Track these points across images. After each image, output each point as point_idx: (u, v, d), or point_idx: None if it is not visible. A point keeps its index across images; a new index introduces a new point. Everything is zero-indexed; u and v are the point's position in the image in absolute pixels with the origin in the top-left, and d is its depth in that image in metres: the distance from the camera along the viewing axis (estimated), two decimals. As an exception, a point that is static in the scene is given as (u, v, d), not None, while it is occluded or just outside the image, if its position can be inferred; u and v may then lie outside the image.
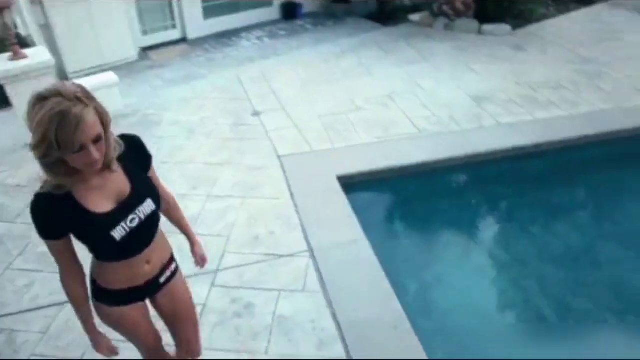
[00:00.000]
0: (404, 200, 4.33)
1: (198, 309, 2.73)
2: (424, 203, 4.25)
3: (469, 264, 3.77)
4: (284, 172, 4.06)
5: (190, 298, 2.00)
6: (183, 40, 7.08)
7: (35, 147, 1.32)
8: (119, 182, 1.55)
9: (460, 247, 3.93)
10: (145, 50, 6.75)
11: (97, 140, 1.36)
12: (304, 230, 3.43)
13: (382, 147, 4.34)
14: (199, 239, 2.09)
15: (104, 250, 1.59)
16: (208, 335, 2.70)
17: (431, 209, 4.22)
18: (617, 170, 4.59)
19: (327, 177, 3.95)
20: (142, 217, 1.57)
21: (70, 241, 1.55)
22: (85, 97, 1.33)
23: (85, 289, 1.68)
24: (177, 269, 1.90)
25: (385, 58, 6.18)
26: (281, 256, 3.23)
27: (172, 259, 1.86)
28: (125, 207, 1.54)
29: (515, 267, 3.78)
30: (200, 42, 7.02)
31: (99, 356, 1.86)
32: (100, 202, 1.50)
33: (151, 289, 1.78)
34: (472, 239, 4.06)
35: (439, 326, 3.28)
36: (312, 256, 3.21)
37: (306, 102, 5.16)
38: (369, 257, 3.20)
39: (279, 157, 4.26)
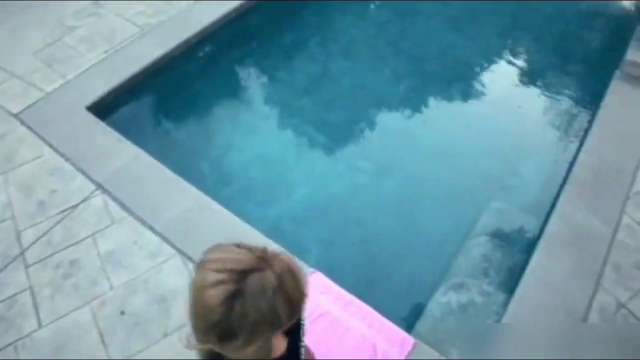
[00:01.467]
0: (161, 99, 4.50)
1: (26, 295, 2.83)
2: (178, 94, 4.49)
3: (242, 125, 4.31)
4: (30, 128, 3.84)
5: None
6: None
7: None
8: None
9: (230, 114, 4.40)
10: None
11: None
12: (83, 172, 3.48)
13: (114, 60, 4.29)
14: None
15: None
16: (49, 307, 2.83)
17: (187, 95, 4.50)
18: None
19: (77, 113, 3.87)
20: None
21: None
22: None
23: None
24: None
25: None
26: (76, 206, 3.30)
27: None
28: None
29: (289, 114, 4.45)
30: None
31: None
32: None
33: None
34: (237, 103, 4.56)
35: (242, 185, 3.86)
36: (105, 190, 3.35)
37: (7, 42, 4.60)
38: (155, 164, 3.46)
39: (15, 115, 3.94)
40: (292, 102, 4.58)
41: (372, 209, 3.82)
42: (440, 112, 4.57)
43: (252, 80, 4.79)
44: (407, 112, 4.59)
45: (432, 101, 4.66)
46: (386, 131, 4.39)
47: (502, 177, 3.95)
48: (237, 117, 4.38)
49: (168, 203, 3.25)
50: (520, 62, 4.94)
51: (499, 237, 3.54)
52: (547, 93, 4.53)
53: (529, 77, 4.74)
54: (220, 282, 0.96)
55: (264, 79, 4.85)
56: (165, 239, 3.06)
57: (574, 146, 3.92)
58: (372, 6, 5.78)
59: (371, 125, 4.48)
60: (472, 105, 4.55)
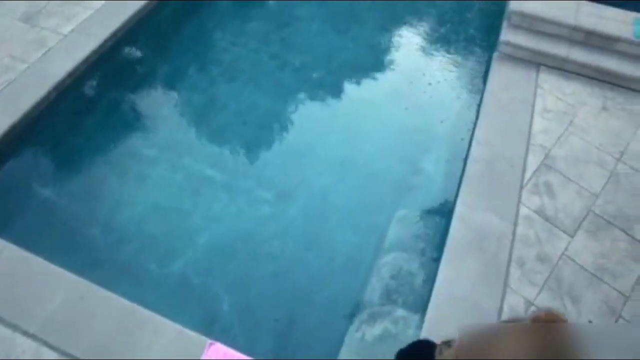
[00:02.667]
0: (24, 172, 3.99)
1: None
2: (46, 159, 4.03)
3: (126, 177, 3.93)
4: None
5: None
6: None
7: None
8: None
9: (109, 169, 4.00)
10: None
11: None
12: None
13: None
14: None
15: None
16: None
17: (58, 158, 4.05)
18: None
19: None
20: None
21: None
22: None
23: None
24: None
25: None
26: None
27: None
28: None
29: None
30: None
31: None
32: None
33: None
34: (115, 155, 4.15)
35: (137, 247, 3.51)
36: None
37: None
38: (23, 256, 3.06)
39: None
40: (178, 139, 4.26)
41: (279, 239, 3.64)
42: (333, 120, 4.43)
43: (129, 125, 4.40)
44: (301, 126, 4.40)
45: (323, 111, 4.50)
46: (282, 151, 4.19)
47: (405, 179, 3.87)
48: (119, 170, 4.00)
49: (42, 298, 2.88)
50: (405, 56, 4.87)
51: (407, 250, 3.46)
52: (436, 85, 4.49)
53: (415, 71, 4.67)
54: None
55: (143, 121, 4.47)
56: (43, 342, 2.71)
57: (467, 137, 3.89)
58: (249, 21, 5.51)
59: (266, 148, 4.26)
60: (364, 108, 4.43)
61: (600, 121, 3.93)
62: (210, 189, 3.92)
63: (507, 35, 4.30)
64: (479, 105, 3.99)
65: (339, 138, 4.22)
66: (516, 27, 4.35)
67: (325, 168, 4.01)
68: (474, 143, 3.66)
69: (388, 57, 4.82)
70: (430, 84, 4.44)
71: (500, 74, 4.15)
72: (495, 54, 4.33)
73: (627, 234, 3.24)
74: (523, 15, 4.32)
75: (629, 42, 4.19)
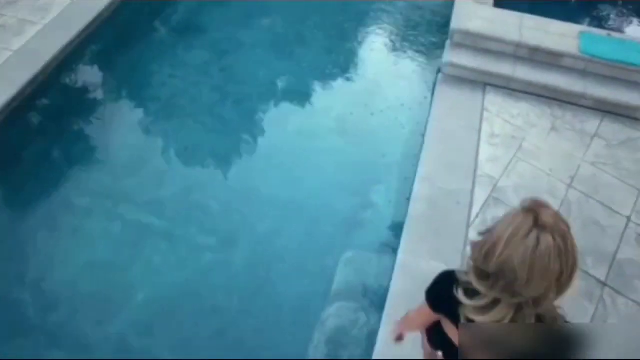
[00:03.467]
0: None
1: None
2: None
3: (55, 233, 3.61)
4: None
5: None
6: None
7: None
8: None
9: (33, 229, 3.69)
10: None
11: None
12: None
13: None
14: None
15: None
16: None
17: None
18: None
19: None
20: None
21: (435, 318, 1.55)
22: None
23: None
24: None
25: None
26: None
27: None
28: None
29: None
30: None
31: None
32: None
33: None
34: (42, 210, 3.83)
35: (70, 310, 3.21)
36: None
37: None
38: None
39: None
40: (113, 185, 3.95)
41: (224, 290, 3.40)
42: (275, 156, 4.16)
43: (58, 173, 4.05)
44: (242, 164, 4.15)
45: (265, 146, 4.23)
46: (224, 192, 3.92)
47: (347, 221, 3.65)
48: (47, 224, 3.67)
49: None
50: (349, 84, 4.63)
51: (354, 298, 3.25)
52: (378, 115, 4.26)
53: (358, 99, 4.43)
54: None
55: (73, 169, 4.14)
56: None
57: (411, 172, 3.67)
58: (190, 50, 5.21)
59: (207, 190, 3.99)
60: (306, 141, 4.19)
61: (549, 144, 3.75)
62: (149, 238, 3.65)
63: (450, 55, 4.10)
64: (424, 135, 3.78)
65: (282, 175, 3.99)
66: (459, 46, 4.16)
67: (269, 209, 3.78)
68: (417, 179, 3.45)
69: (332, 85, 4.58)
70: (372, 114, 4.22)
71: (445, 98, 3.95)
72: (439, 76, 4.13)
73: (579, 268, 3.06)
74: (466, 33, 4.12)
75: (575, 57, 4.02)
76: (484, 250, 1.12)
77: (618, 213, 3.38)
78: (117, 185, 3.95)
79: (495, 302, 1.15)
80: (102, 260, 3.48)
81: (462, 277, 1.25)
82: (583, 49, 4.01)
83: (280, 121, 4.36)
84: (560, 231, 1.09)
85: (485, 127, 3.78)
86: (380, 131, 4.12)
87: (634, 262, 3.11)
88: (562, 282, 1.11)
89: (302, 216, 3.73)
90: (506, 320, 1.14)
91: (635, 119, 3.99)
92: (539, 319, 1.17)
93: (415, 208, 3.26)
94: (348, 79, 4.64)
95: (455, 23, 4.10)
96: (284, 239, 3.60)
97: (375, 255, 3.37)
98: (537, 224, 1.07)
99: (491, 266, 1.11)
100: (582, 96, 3.97)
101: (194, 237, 3.66)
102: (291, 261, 3.50)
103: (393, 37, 5.04)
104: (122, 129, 4.27)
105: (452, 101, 3.92)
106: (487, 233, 1.16)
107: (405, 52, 4.82)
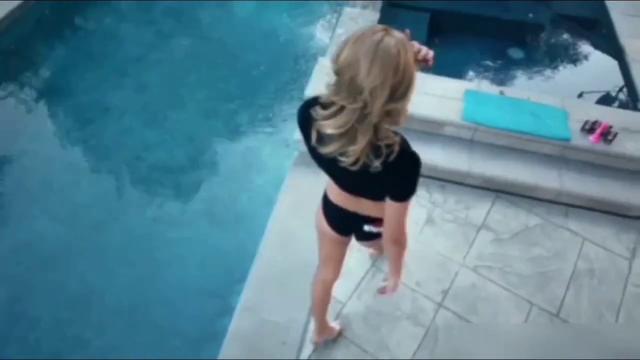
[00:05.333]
0: None
1: None
2: None
3: None
4: None
5: None
6: None
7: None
8: None
9: None
10: None
11: None
12: None
13: None
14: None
15: None
16: None
17: None
18: None
19: None
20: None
21: None
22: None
23: None
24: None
25: None
26: None
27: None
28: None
29: None
30: None
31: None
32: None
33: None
34: None
35: None
36: None
37: None
38: None
39: None
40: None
41: None
42: (127, 251, 3.35)
43: None
44: (89, 261, 3.31)
45: (118, 238, 3.40)
46: (64, 301, 3.09)
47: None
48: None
49: None
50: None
51: None
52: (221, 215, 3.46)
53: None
54: None
55: None
56: None
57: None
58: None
59: (36, 298, 3.17)
60: (170, 228, 3.40)
61: (421, 244, 2.95)
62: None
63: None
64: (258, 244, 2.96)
65: (131, 275, 3.20)
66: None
67: (113, 320, 3.00)
68: (237, 309, 2.63)
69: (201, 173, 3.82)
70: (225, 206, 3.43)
71: (294, 186, 3.15)
72: (296, 155, 3.33)
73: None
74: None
75: (458, 126, 3.25)
76: (337, 50, 1.19)
77: (500, 341, 2.56)
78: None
79: (341, 109, 1.20)
80: None
81: (323, 98, 1.30)
82: (467, 115, 3.24)
83: (140, 203, 3.60)
84: (405, 44, 1.18)
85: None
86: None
87: None
88: (397, 96, 1.17)
89: (148, 328, 2.95)
90: (347, 127, 1.21)
91: (534, 199, 3.20)
92: (377, 148, 1.25)
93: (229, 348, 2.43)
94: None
95: (311, 89, 3.32)
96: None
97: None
98: (386, 31, 1.17)
99: (340, 61, 1.17)
100: (468, 175, 3.18)
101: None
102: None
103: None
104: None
105: (301, 191, 3.09)
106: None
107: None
